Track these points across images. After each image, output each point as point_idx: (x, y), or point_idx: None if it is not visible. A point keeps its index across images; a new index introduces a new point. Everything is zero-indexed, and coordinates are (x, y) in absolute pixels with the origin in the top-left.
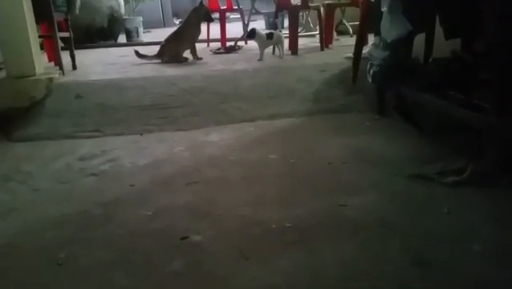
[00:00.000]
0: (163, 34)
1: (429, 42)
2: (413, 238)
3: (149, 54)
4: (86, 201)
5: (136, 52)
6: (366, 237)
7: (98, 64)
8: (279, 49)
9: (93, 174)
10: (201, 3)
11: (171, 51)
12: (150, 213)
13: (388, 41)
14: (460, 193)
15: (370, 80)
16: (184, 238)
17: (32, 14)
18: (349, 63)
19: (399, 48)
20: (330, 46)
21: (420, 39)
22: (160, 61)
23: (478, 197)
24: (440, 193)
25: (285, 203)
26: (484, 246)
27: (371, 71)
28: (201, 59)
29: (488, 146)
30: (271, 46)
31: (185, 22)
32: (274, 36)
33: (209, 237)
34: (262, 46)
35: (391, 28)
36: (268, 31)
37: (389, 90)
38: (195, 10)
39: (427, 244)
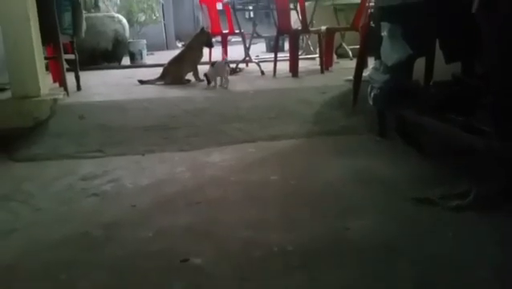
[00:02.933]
0: (166, 56)
1: (430, 65)
2: (417, 263)
3: (152, 78)
4: (87, 221)
5: (140, 81)
6: (369, 261)
7: (102, 86)
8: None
9: (94, 194)
10: (203, 29)
11: (173, 73)
12: (151, 235)
13: (389, 64)
14: (464, 217)
15: (371, 103)
16: (184, 261)
17: (39, 37)
18: (349, 86)
19: (399, 71)
20: (330, 68)
21: (420, 63)
22: (162, 83)
23: (483, 221)
24: (444, 217)
25: (286, 225)
26: (488, 271)
27: (372, 93)
28: (202, 80)
29: (491, 170)
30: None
31: (188, 45)
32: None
33: (210, 259)
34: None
35: (391, 52)
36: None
37: (390, 112)
38: (197, 36)
39: (430, 269)
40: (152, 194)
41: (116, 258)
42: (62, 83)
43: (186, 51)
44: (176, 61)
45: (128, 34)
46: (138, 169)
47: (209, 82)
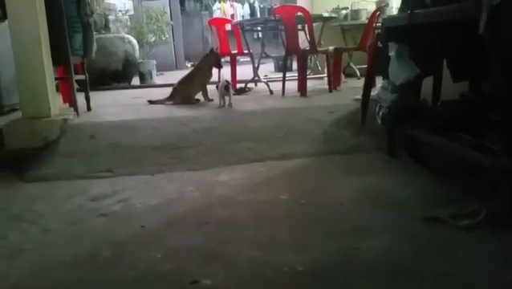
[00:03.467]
0: (175, 76)
1: (437, 84)
2: (428, 283)
3: (161, 98)
4: (96, 242)
5: (149, 101)
6: (380, 282)
7: (112, 106)
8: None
9: (104, 215)
10: (212, 50)
11: (183, 93)
12: (160, 255)
13: (397, 84)
14: (474, 236)
15: (379, 122)
16: (194, 282)
17: (50, 58)
18: (357, 105)
19: (407, 91)
20: (338, 88)
21: (428, 82)
22: (172, 103)
23: (493, 240)
24: (454, 236)
25: (296, 245)
26: None
27: (381, 112)
28: (212, 100)
29: (500, 187)
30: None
31: (197, 66)
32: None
33: (220, 280)
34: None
35: (399, 72)
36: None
37: (399, 131)
38: (206, 57)
39: None
40: (162, 214)
41: (126, 278)
42: (73, 104)
43: (195, 71)
44: (185, 81)
45: (137, 54)
46: (147, 189)
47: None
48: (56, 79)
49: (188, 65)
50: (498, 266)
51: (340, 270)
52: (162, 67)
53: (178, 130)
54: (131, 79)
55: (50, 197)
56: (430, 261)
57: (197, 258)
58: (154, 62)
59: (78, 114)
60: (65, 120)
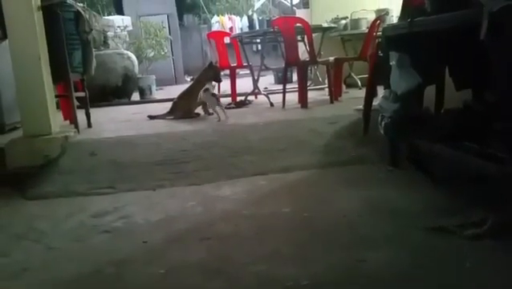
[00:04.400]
0: (175, 91)
1: (440, 93)
2: None
3: (161, 113)
4: (99, 259)
5: (150, 116)
6: None
7: (112, 122)
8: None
9: (106, 231)
10: (211, 64)
11: (183, 108)
12: (163, 271)
13: (399, 93)
14: (481, 246)
15: (382, 132)
16: None
17: (50, 76)
18: (359, 115)
19: (409, 100)
20: (339, 98)
21: (431, 91)
22: (172, 117)
23: (501, 249)
24: (460, 246)
25: (300, 259)
26: None
27: (383, 122)
28: (212, 114)
29: (506, 196)
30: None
31: (196, 80)
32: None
33: None
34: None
35: (400, 81)
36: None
37: (401, 141)
38: (205, 70)
39: None
40: (164, 230)
41: None
42: (73, 121)
43: (195, 86)
44: (185, 95)
45: (137, 70)
46: (149, 205)
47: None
48: (56, 96)
49: (188, 79)
50: (506, 275)
51: (344, 283)
52: (162, 82)
53: (179, 145)
54: (131, 94)
55: (52, 215)
56: (436, 272)
57: (200, 273)
58: (153, 77)
59: (78, 131)
60: (66, 137)
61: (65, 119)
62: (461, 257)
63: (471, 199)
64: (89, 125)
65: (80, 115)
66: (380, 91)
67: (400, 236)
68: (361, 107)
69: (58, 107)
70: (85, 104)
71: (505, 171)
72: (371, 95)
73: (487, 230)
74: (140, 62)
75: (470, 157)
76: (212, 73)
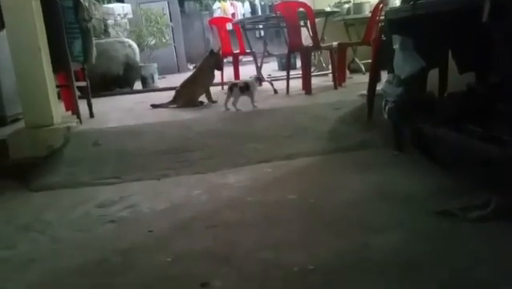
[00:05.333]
0: (178, 79)
1: (443, 76)
2: (441, 279)
3: (164, 102)
4: (105, 249)
5: (153, 105)
6: (393, 279)
7: (115, 111)
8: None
9: (112, 221)
10: (212, 52)
11: (186, 96)
12: (169, 260)
13: (402, 77)
14: (486, 228)
15: (386, 116)
16: (204, 285)
17: (50, 65)
18: (363, 101)
19: (413, 84)
20: (343, 84)
21: (434, 74)
22: (175, 106)
23: (505, 232)
24: (465, 229)
25: (306, 245)
26: None
27: (387, 107)
28: (216, 102)
29: (510, 178)
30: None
31: (199, 68)
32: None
33: (230, 282)
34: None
35: (404, 64)
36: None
37: (406, 125)
38: (207, 59)
39: (455, 286)
40: (169, 219)
41: (136, 284)
42: (75, 111)
43: (197, 74)
44: (188, 83)
45: (138, 58)
46: (154, 194)
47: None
48: (57, 86)
49: (191, 67)
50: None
51: (352, 267)
52: (164, 70)
53: (183, 133)
54: (133, 83)
55: (58, 206)
56: (442, 256)
57: (206, 261)
58: (155, 65)
59: (81, 121)
60: (68, 127)
61: (67, 109)
62: (466, 240)
63: (475, 182)
64: (91, 115)
65: (82, 105)
66: (384, 76)
67: (408, 221)
68: (365, 92)
69: (59, 98)
70: (86, 94)
71: (508, 154)
72: (374, 79)
73: (491, 212)
74: (141, 50)
75: (474, 141)
76: (213, 61)
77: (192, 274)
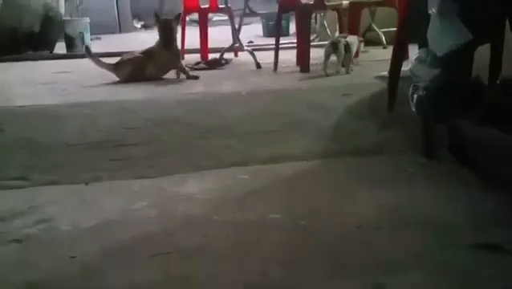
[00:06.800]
0: (119, 42)
1: (496, 56)
2: None
3: (106, 62)
4: (6, 281)
5: (87, 49)
6: None
7: (25, 84)
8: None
9: (16, 241)
10: (157, 16)
11: (134, 65)
12: None
13: (439, 55)
14: None
15: (413, 109)
16: None
17: None
18: (383, 85)
19: (453, 64)
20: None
21: (483, 52)
22: (117, 78)
23: None
24: None
25: (295, 286)
26: None
27: (416, 96)
28: (197, 77)
29: None
30: None
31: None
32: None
33: None
34: None
35: (442, 37)
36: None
37: (440, 122)
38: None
39: None
40: (100, 241)
41: None
42: None
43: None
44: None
45: (63, 10)
46: (79, 205)
47: None
48: None
49: (138, 26)
50: None
51: None
52: (99, 29)
53: (124, 120)
54: (54, 45)
55: None
56: None
57: None
58: (87, 20)
59: None
60: None
61: None
62: None
63: None
64: None
65: None
66: (414, 51)
67: (433, 256)
68: (386, 73)
69: None
70: None
71: None
72: (399, 56)
73: None
74: None
75: None
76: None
77: None
